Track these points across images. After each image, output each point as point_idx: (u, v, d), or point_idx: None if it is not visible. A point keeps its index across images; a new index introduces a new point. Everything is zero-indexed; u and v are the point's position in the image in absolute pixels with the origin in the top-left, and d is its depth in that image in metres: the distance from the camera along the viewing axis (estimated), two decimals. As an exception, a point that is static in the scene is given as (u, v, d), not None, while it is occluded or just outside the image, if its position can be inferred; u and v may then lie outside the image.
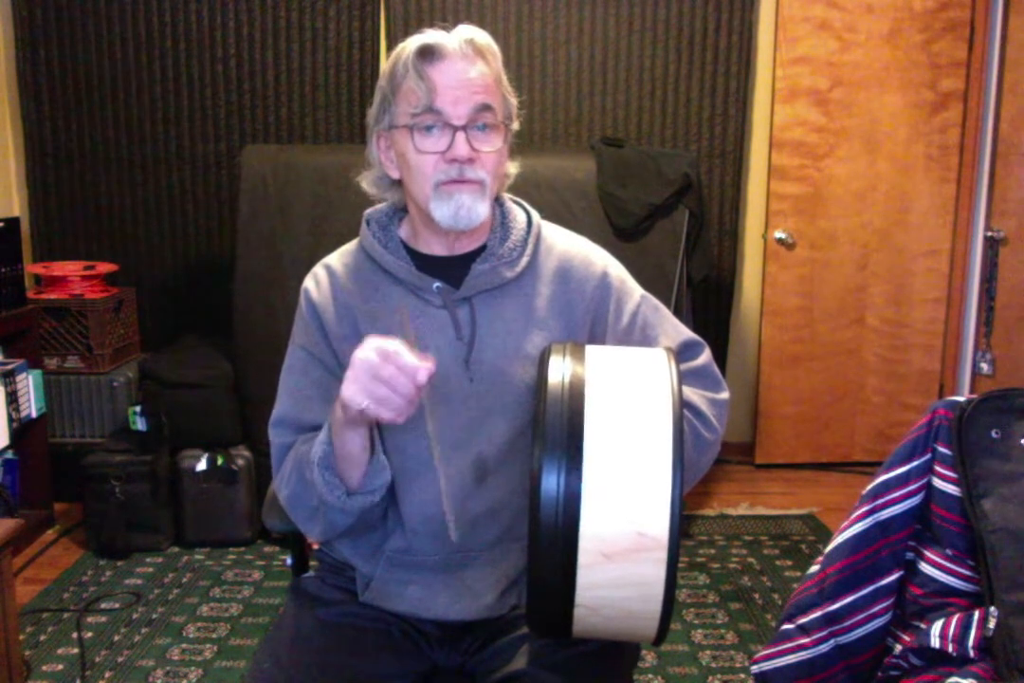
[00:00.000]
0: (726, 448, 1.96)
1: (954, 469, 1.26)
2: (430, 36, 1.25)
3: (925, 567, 1.29)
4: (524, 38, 3.52)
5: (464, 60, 1.24)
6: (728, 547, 3.09)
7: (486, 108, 1.25)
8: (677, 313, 2.94)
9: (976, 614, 1.20)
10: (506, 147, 1.33)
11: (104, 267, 3.40)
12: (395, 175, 1.33)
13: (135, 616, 2.61)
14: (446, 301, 1.32)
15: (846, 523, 1.35)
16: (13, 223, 3.08)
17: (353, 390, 1.12)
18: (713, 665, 2.38)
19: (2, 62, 3.55)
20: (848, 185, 3.65)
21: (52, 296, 3.26)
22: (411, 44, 1.25)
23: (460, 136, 1.24)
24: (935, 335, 3.77)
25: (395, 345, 1.11)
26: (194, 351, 3.28)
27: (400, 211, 1.40)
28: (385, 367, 1.10)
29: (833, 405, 3.81)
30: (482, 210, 1.27)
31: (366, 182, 1.37)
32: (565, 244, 1.40)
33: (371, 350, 1.11)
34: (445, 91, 1.23)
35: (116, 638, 2.50)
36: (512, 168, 1.38)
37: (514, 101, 1.32)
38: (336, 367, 1.33)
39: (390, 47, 3.50)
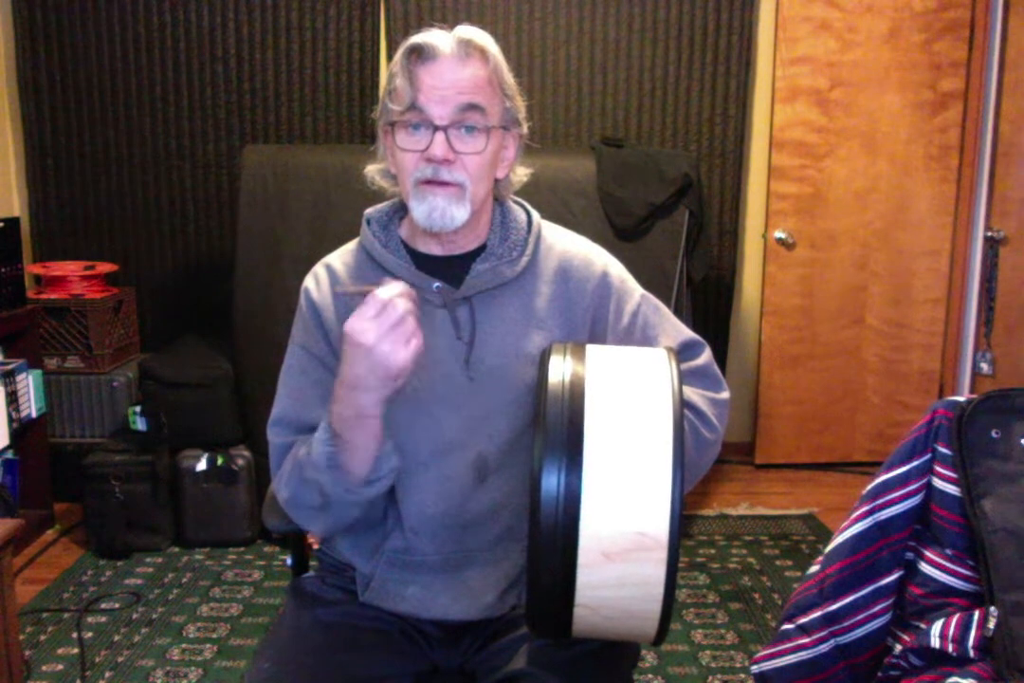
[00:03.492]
0: (726, 448, 1.95)
1: (954, 469, 1.26)
2: (425, 35, 1.25)
3: (925, 567, 1.29)
4: (524, 38, 3.52)
5: (456, 60, 1.23)
6: (728, 547, 3.09)
7: (472, 108, 1.24)
8: (677, 313, 2.94)
9: (976, 614, 1.20)
10: (509, 152, 1.32)
11: (104, 267, 3.40)
12: (394, 170, 1.33)
13: (135, 616, 2.61)
14: (446, 301, 1.31)
15: (846, 523, 1.35)
16: (13, 223, 3.07)
17: (363, 323, 1.12)
18: (713, 665, 2.38)
19: (2, 62, 3.55)
20: (848, 185, 3.65)
21: (52, 296, 3.26)
22: (407, 42, 1.25)
23: (439, 136, 1.23)
24: (935, 335, 3.77)
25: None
26: (194, 351, 3.28)
27: (401, 210, 1.40)
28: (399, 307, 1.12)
29: (833, 405, 3.81)
30: (458, 214, 1.26)
31: (379, 175, 1.37)
32: (565, 244, 1.40)
33: (394, 291, 1.13)
34: (430, 90, 1.23)
35: (116, 638, 2.50)
36: (522, 174, 1.37)
37: (519, 105, 1.31)
38: (336, 366, 1.33)
39: (390, 47, 3.51)
